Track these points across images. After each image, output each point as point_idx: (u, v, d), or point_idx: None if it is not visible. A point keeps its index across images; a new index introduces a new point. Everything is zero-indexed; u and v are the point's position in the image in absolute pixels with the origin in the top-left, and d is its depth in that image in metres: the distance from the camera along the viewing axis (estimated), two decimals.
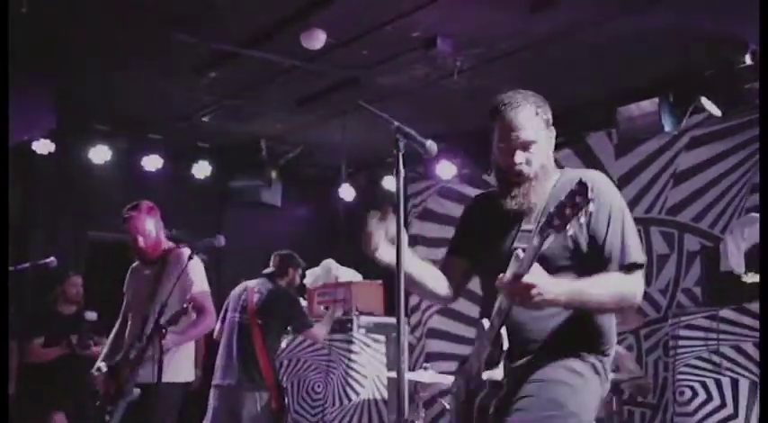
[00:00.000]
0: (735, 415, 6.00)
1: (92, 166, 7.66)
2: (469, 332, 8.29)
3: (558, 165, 2.91)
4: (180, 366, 4.88)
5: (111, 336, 5.10)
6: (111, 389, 4.68)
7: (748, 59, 5.81)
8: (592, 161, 7.31)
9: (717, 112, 6.33)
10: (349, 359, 6.81)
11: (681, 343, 6.35)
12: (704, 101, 6.25)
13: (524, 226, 2.79)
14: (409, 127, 2.64)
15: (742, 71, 5.96)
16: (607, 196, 2.75)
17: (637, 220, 2.88)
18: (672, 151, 7.03)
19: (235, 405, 5.80)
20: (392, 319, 6.42)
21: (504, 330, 2.65)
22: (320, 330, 6.37)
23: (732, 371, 6.07)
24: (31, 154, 7.31)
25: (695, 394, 6.21)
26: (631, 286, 2.72)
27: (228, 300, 6.13)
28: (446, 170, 7.94)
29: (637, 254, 2.73)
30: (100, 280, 7.27)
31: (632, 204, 6.64)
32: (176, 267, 4.82)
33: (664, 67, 6.15)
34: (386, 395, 6.87)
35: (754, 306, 6.11)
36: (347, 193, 8.26)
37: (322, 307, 7.01)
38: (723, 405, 6.07)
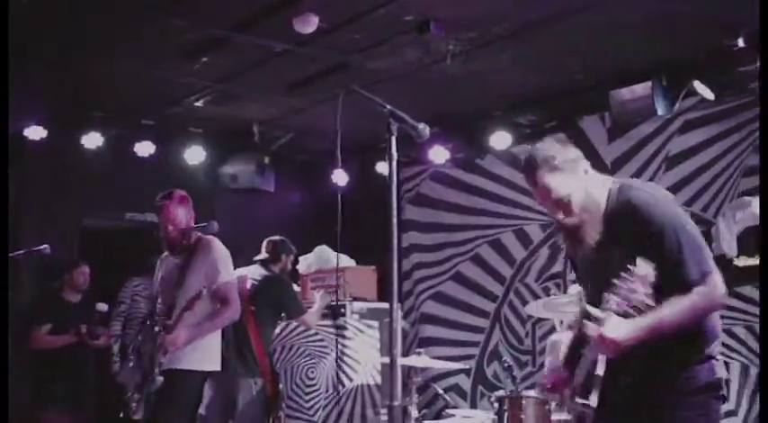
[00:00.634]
0: (726, 398, 6.01)
1: (84, 152, 7.62)
2: (462, 317, 8.36)
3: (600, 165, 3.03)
4: (206, 355, 4.88)
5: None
6: (137, 378, 4.76)
7: (741, 42, 5.80)
8: (584, 145, 7.27)
9: (710, 95, 6.33)
10: (342, 345, 6.82)
11: None
12: (697, 84, 6.25)
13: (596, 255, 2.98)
14: (402, 111, 2.63)
15: (735, 54, 5.95)
16: (656, 219, 2.83)
17: None
18: (665, 135, 7.02)
19: (230, 392, 5.81)
20: (385, 305, 6.33)
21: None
22: (312, 316, 6.38)
23: (722, 354, 6.08)
24: (23, 140, 7.27)
25: None
26: (705, 295, 2.80)
27: None
28: (439, 155, 7.93)
29: (697, 269, 2.80)
30: (92, 266, 7.28)
31: None
32: (204, 256, 4.85)
33: (656, 51, 6.13)
34: (379, 380, 6.89)
35: (746, 290, 6.13)
36: (341, 178, 8.25)
37: (315, 292, 7.01)
38: None
